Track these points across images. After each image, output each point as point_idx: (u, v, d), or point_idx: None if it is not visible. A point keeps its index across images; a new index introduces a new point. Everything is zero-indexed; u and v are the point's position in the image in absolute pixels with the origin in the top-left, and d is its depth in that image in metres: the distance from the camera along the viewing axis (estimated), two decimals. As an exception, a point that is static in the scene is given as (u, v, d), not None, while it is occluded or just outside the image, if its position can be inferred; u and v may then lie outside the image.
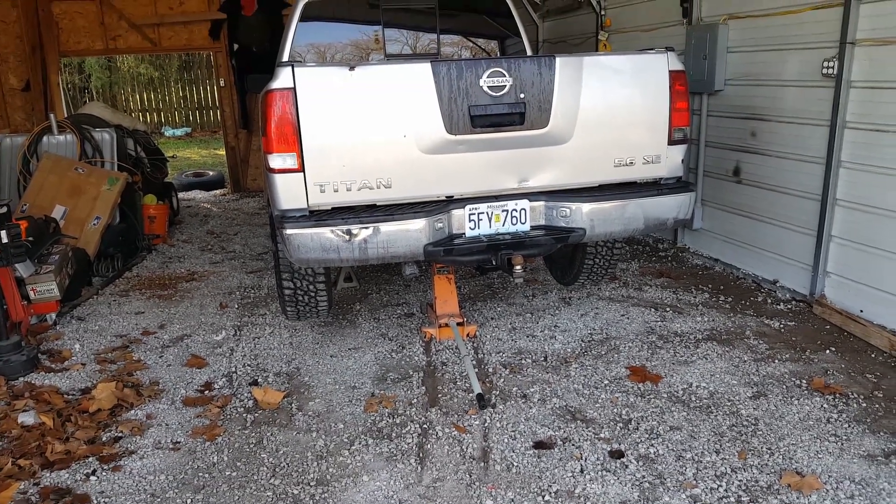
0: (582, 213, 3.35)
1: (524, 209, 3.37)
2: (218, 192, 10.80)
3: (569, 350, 4.00)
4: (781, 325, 4.27)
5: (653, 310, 4.55)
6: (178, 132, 18.22)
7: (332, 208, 3.22)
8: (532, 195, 3.40)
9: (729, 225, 5.36)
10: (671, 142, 3.47)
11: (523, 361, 3.86)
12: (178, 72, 18.63)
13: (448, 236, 3.31)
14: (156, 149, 8.54)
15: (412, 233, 3.14)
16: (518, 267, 3.32)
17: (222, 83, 10.26)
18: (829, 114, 4.23)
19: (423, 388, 3.62)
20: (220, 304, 5.20)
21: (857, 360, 3.79)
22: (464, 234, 3.35)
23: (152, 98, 18.83)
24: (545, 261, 5.17)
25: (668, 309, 4.57)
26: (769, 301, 4.69)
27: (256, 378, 3.88)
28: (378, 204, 3.26)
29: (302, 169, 3.07)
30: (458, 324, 4.10)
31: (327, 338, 4.38)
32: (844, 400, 3.35)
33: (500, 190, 3.35)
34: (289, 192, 3.11)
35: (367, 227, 3.10)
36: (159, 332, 4.67)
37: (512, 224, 3.37)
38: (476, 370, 3.75)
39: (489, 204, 3.33)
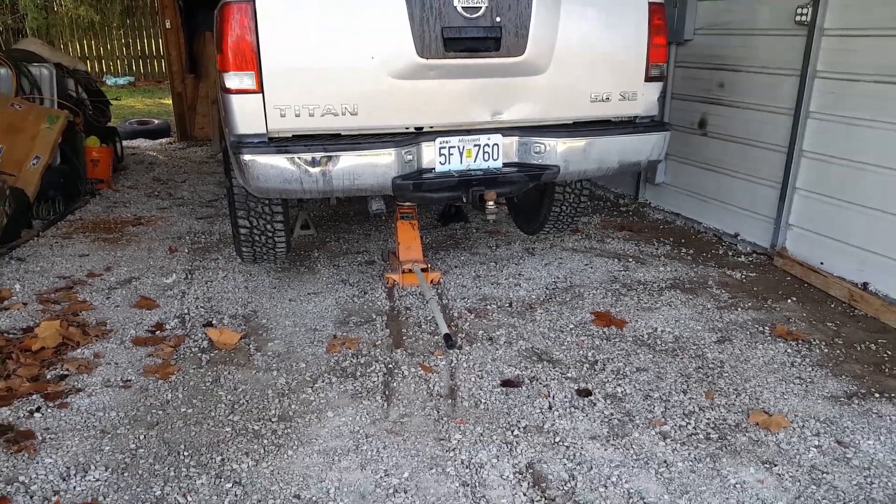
0: (556, 151, 3.25)
1: (497, 144, 3.25)
2: (164, 140, 10.33)
3: (533, 297, 3.94)
4: (743, 276, 4.30)
5: (616, 260, 4.53)
6: (122, 81, 17.39)
7: (294, 135, 3.05)
8: (506, 130, 3.28)
9: (692, 179, 5.36)
10: (648, 78, 3.39)
11: (488, 307, 3.79)
12: (120, 17, 17.69)
13: (417, 170, 3.18)
14: (98, 90, 8.08)
15: (380, 164, 2.99)
16: (491, 203, 3.21)
17: (168, 24, 9.75)
18: (799, 63, 4.22)
19: (388, 330, 3.51)
20: (170, 248, 4.97)
21: (818, 309, 3.84)
22: (433, 169, 3.22)
23: (93, 45, 17.89)
24: (509, 208, 5.08)
25: (630, 260, 4.56)
26: (730, 254, 4.72)
27: (211, 320, 3.71)
28: (343, 133, 3.10)
29: (261, 90, 2.88)
30: (423, 270, 3.99)
31: (285, 283, 4.22)
32: (807, 346, 3.39)
33: (472, 123, 3.22)
34: (246, 116, 2.91)
35: (332, 157, 2.93)
36: (105, 274, 4.43)
37: (484, 160, 3.25)
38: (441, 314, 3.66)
39: (461, 138, 3.20)
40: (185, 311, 3.82)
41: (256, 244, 3.84)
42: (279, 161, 2.91)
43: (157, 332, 3.56)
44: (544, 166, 3.28)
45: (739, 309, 3.81)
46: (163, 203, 6.38)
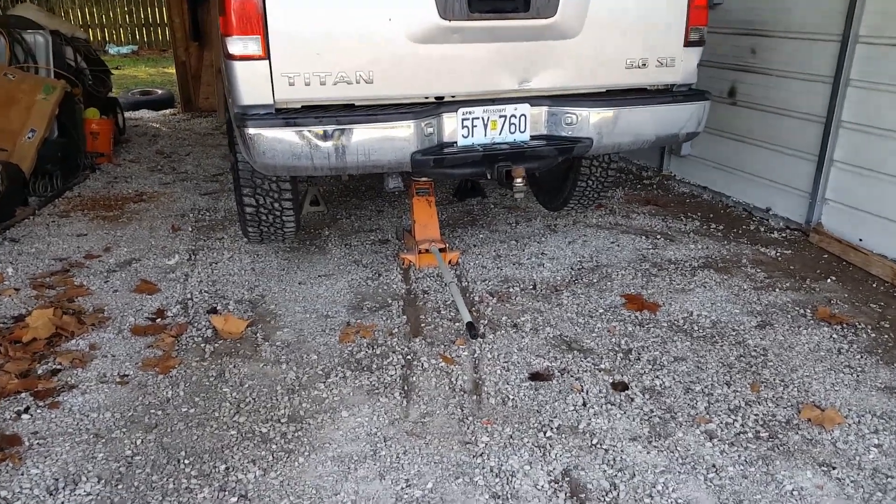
0: (589, 122, 2.99)
1: (524, 115, 2.99)
2: (167, 111, 10.05)
3: (558, 278, 3.70)
4: (778, 254, 4.05)
5: (643, 237, 4.28)
6: (124, 50, 17.04)
7: (303, 106, 2.79)
8: (534, 99, 3.02)
9: (720, 150, 5.08)
10: (687, 43, 3.10)
11: (511, 290, 3.56)
12: (122, -16, 17.27)
13: (438, 144, 2.93)
14: (98, 59, 7.79)
15: (398, 138, 2.74)
16: (519, 180, 2.96)
17: (171, -9, 9.41)
18: (840, 26, 3.92)
19: (405, 317, 3.29)
20: (173, 226, 4.74)
21: (860, 289, 3.59)
22: (456, 142, 2.96)
23: (95, 13, 17.50)
24: (530, 184, 4.83)
25: (658, 236, 4.31)
26: (763, 230, 4.46)
27: (215, 306, 3.50)
28: (357, 104, 2.84)
29: (267, 56, 2.62)
30: (440, 250, 3.77)
31: (294, 264, 4.00)
32: (853, 330, 3.15)
33: (497, 92, 2.96)
34: (251, 84, 2.66)
35: (345, 130, 2.68)
36: (104, 255, 4.21)
37: (510, 132, 2.99)
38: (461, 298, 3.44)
39: (485, 108, 2.94)
40: (188, 295, 3.61)
41: (263, 224, 3.61)
42: (287, 135, 2.66)
43: (158, 320, 3.35)
44: (576, 139, 3.02)
45: (777, 290, 3.57)
46: (166, 178, 6.14)
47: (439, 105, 2.92)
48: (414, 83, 2.83)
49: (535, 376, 2.74)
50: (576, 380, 2.72)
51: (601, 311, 3.32)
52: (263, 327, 3.24)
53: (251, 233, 3.71)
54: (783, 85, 4.44)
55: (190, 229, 4.67)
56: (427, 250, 3.80)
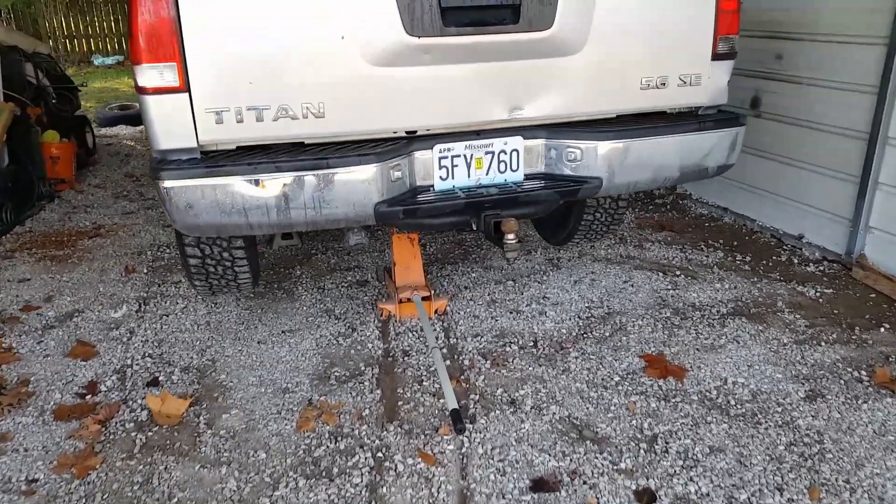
0: (597, 156, 2.43)
1: (516, 150, 2.44)
2: (146, 127, 9.52)
3: (564, 331, 3.14)
4: (818, 294, 3.48)
5: (660, 274, 3.72)
6: (109, 60, 16.51)
7: (239, 148, 2.24)
8: (528, 130, 2.46)
9: (743, 168, 4.47)
10: (715, 55, 2.54)
11: (508, 349, 3.00)
12: (107, -8, 16.75)
13: (409, 190, 2.37)
14: (63, 76, 7.28)
15: (357, 185, 2.18)
16: (510, 236, 2.39)
17: None
18: (887, 27, 3.36)
19: (378, 391, 2.73)
20: (126, 267, 4.20)
21: (922, 340, 3.03)
22: (432, 186, 2.41)
23: (79, 23, 16.98)
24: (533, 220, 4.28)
25: (677, 272, 3.74)
26: (796, 261, 3.89)
27: (157, 375, 2.95)
28: (307, 142, 2.29)
29: (186, 87, 2.07)
30: (424, 298, 3.21)
31: (256, 315, 3.45)
32: (924, 401, 2.59)
33: (483, 122, 2.40)
34: (169, 124, 2.11)
35: (288, 178, 2.13)
36: (44, 306, 3.67)
37: (500, 172, 2.44)
38: (447, 362, 2.88)
39: (468, 143, 2.38)
40: (129, 360, 3.06)
41: (212, 276, 3.05)
42: (213, 186, 2.10)
43: (89, 397, 2.80)
44: (581, 179, 2.46)
45: (823, 344, 3.01)
46: (130, 206, 5.60)
47: (410, 141, 2.36)
48: (377, 116, 2.27)
49: (539, 485, 2.18)
50: (590, 488, 2.16)
51: (617, 378, 2.76)
52: (208, 407, 2.69)
53: (198, 285, 3.16)
54: (816, 95, 3.88)
55: (145, 271, 4.13)
56: (409, 299, 3.24)
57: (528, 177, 2.49)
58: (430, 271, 3.84)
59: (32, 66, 6.42)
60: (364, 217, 2.26)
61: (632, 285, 3.59)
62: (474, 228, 2.44)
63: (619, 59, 2.42)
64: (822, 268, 3.79)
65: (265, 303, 3.59)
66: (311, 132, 2.24)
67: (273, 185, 2.10)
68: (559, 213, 3.70)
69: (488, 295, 3.53)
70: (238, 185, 2.09)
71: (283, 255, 4.27)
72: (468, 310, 3.38)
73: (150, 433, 2.54)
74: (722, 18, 2.47)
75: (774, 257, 3.96)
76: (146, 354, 3.13)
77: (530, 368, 2.83)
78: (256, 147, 2.24)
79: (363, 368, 2.90)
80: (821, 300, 3.42)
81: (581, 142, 2.41)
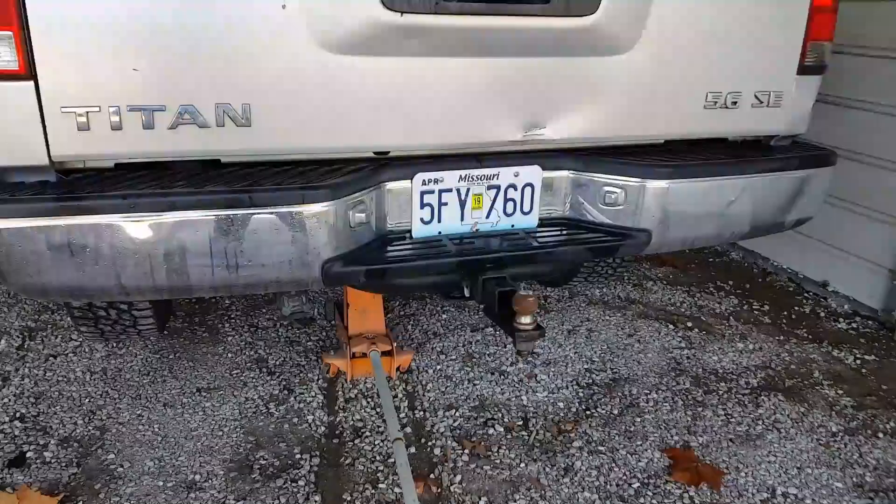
0: (646, 199, 1.73)
1: (531, 185, 1.74)
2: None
3: (561, 405, 2.47)
4: (858, 362, 2.89)
5: (669, 326, 3.08)
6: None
7: (119, 167, 1.49)
8: (549, 157, 1.77)
9: (754, 197, 3.92)
10: (803, 68, 1.88)
11: (491, 430, 2.31)
12: None
13: (377, 237, 1.65)
14: None
15: (297, 235, 1.45)
16: (525, 319, 1.68)
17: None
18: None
19: (318, 497, 2.01)
20: (15, 284, 3.37)
21: None
22: (409, 232, 1.69)
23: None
24: None
25: (689, 324, 3.12)
26: (822, 314, 3.31)
27: (25, 450, 2.18)
28: (224, 161, 1.55)
29: (30, 72, 1.31)
30: (384, 353, 2.50)
31: (166, 362, 2.69)
32: None
33: (486, 143, 1.68)
34: (4, 129, 1.35)
35: (189, 218, 1.38)
36: None
37: (506, 214, 1.74)
38: (412, 449, 2.18)
39: (464, 172, 1.67)
40: (-12, 425, 2.29)
41: (102, 322, 2.28)
42: (65, 229, 1.33)
43: (-89, 486, 2.02)
44: (621, 231, 1.76)
45: (881, 436, 2.41)
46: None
47: (381, 166, 1.63)
48: (333, 126, 1.53)
49: None
50: None
51: (636, 484, 2.10)
52: (80, 512, 1.94)
53: (85, 332, 2.39)
54: (848, 117, 3.30)
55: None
56: (363, 354, 2.53)
57: (544, 223, 1.81)
58: (392, 309, 3.14)
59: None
60: (305, 281, 1.53)
61: (638, 340, 2.94)
62: (467, 295, 1.73)
63: (682, 65, 1.73)
64: (855, 325, 3.21)
65: (180, 345, 2.83)
66: (229, 147, 1.49)
67: (161, 230, 1.36)
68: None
69: (463, 346, 2.84)
70: (105, 227, 1.34)
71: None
72: (438, 367, 2.69)
73: (-15, 556, 1.79)
74: (817, 20, 1.81)
75: (797, 307, 3.37)
76: (17, 414, 2.36)
77: (522, 465, 2.15)
78: (140, 166, 1.48)
79: (299, 456, 2.18)
80: (863, 370, 2.83)
81: (624, 178, 1.71)
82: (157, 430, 2.29)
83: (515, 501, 2.00)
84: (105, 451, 2.19)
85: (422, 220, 1.67)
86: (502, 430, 2.32)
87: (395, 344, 2.53)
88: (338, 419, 2.37)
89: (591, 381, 2.63)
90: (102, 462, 2.14)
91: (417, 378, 2.62)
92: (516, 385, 2.58)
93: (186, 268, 1.39)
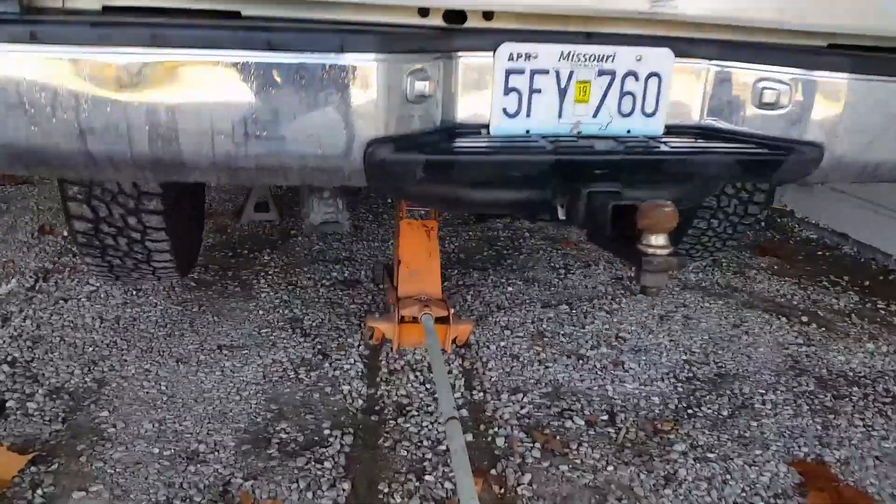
0: (818, 100, 1.22)
1: (657, 76, 1.26)
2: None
3: (655, 399, 1.99)
4: None
5: (782, 319, 2.55)
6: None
7: (106, 10, 1.08)
8: (684, 40, 1.29)
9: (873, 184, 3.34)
10: None
11: (569, 423, 1.85)
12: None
13: (440, 128, 1.21)
14: None
15: (332, 92, 1.02)
16: (657, 238, 1.21)
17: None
18: None
19: (346, 484, 1.58)
20: (41, 226, 3.10)
21: None
22: (486, 127, 1.23)
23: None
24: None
25: (804, 318, 2.58)
26: (969, 320, 2.72)
27: (5, 399, 1.83)
28: (246, 13, 1.12)
29: None
30: (439, 320, 2.07)
31: (188, 314, 2.33)
32: None
33: (599, 12, 1.20)
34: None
35: (181, 56, 0.96)
36: None
37: (620, 113, 1.27)
38: (469, 436, 1.74)
39: (566, 48, 1.21)
40: (-26, 367, 1.95)
41: (110, 253, 1.91)
42: (26, 68, 0.94)
43: None
44: (784, 143, 1.27)
45: None
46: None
47: (452, 34, 1.21)
48: None
49: None
50: None
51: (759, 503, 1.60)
52: (59, 472, 1.56)
53: (93, 267, 2.02)
54: None
55: (65, 234, 3.01)
56: (415, 319, 2.11)
57: (672, 131, 1.35)
58: (448, 277, 2.71)
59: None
60: (340, 170, 1.09)
61: (745, 332, 2.43)
62: (561, 218, 1.27)
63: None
64: None
65: (207, 297, 2.47)
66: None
67: (143, 74, 0.94)
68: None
69: (533, 324, 2.38)
70: (67, 67, 0.93)
71: (253, 233, 3.14)
72: (502, 344, 2.24)
73: (-71, 519, 1.42)
74: None
75: (934, 310, 2.79)
76: (7, 359, 2.02)
77: (610, 468, 1.68)
78: (134, 9, 1.07)
79: (328, 432, 1.76)
80: None
81: (789, 70, 1.23)
82: (164, 389, 1.91)
83: (601, 513, 1.53)
84: (99, 406, 1.82)
85: (504, 110, 1.22)
86: (582, 423, 1.85)
87: (452, 311, 2.10)
88: (379, 392, 1.95)
89: (691, 374, 2.13)
90: (93, 419, 1.77)
91: (477, 354, 2.18)
92: (599, 372, 2.11)
93: (177, 136, 0.98)
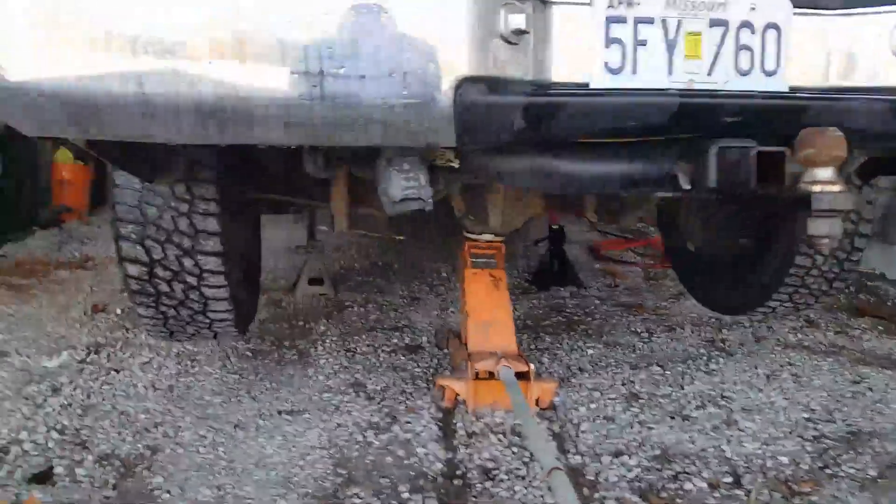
0: None
1: (775, 29, 1.06)
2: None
3: (784, 461, 1.69)
4: None
5: (904, 377, 2.25)
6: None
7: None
8: None
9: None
10: None
11: (688, 486, 1.57)
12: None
13: (531, 81, 1.04)
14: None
15: (417, 20, 0.88)
16: (824, 171, 0.97)
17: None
18: None
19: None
20: (95, 305, 3.01)
21: None
22: (585, 84, 1.07)
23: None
24: (674, 261, 2.88)
25: (929, 377, 2.26)
26: None
27: (54, 465, 1.65)
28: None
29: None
30: (519, 376, 1.84)
31: (245, 383, 2.15)
32: None
33: None
34: None
35: None
36: (-46, 344, 2.47)
37: (738, 72, 1.05)
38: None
39: None
40: (26, 433, 1.79)
41: (164, 302, 1.77)
42: None
43: None
44: None
45: None
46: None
47: None
48: None
49: None
50: None
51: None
52: (97, 548, 1.35)
53: (145, 318, 1.88)
54: None
55: (119, 311, 2.91)
56: (491, 374, 1.89)
57: (796, 90, 1.13)
58: (518, 341, 2.48)
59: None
60: (426, 118, 0.92)
61: (869, 389, 2.12)
62: (685, 187, 1.07)
63: None
64: None
65: (264, 366, 2.30)
66: None
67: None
68: (745, 256, 2.28)
69: (624, 386, 2.13)
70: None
71: (307, 306, 3.00)
72: (593, 406, 1.98)
73: None
74: None
75: None
76: (56, 426, 1.85)
77: (744, 533, 1.39)
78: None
79: (406, 496, 1.52)
80: None
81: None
82: (222, 454, 1.71)
83: (753, 586, 1.24)
84: (152, 472, 1.62)
85: (607, 65, 1.05)
86: (704, 486, 1.57)
87: (532, 366, 1.88)
88: (458, 456, 1.70)
89: (817, 433, 1.84)
90: (146, 485, 1.57)
91: (566, 416, 1.93)
92: (710, 433, 1.83)
93: (243, 71, 0.83)
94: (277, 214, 2.47)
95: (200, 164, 1.60)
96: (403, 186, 1.11)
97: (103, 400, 2.03)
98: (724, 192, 1.05)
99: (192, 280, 1.70)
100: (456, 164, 1.18)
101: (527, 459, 1.66)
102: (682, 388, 2.10)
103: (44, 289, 3.29)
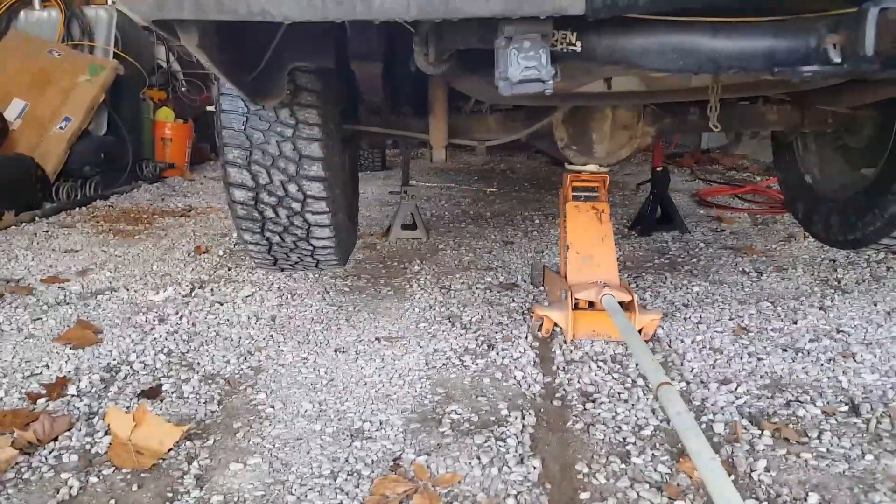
0: None
1: None
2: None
3: (906, 391, 1.58)
4: None
5: None
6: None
7: None
8: None
9: None
10: None
11: (802, 413, 1.49)
12: None
13: None
14: (198, 63, 6.70)
15: None
16: None
17: None
18: None
19: (537, 461, 1.32)
20: (198, 247, 3.13)
21: None
22: None
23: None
24: (786, 190, 2.71)
25: None
26: None
27: (162, 383, 1.73)
28: None
29: None
30: (623, 305, 1.79)
31: (343, 313, 2.19)
32: None
33: None
34: None
35: None
36: (73, 279, 2.64)
37: None
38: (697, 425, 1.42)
39: None
40: (135, 355, 1.89)
41: (269, 228, 1.82)
42: None
43: (42, 401, 1.63)
44: None
45: None
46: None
47: None
48: None
49: None
50: None
51: None
52: (215, 447, 1.41)
53: (253, 250, 1.93)
54: None
55: (221, 253, 3.03)
56: (590, 303, 1.85)
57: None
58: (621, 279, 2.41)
59: (165, 50, 5.83)
60: None
61: None
62: (836, 60, 0.99)
63: None
64: None
65: (362, 299, 2.33)
66: None
67: None
68: (862, 182, 2.12)
69: (731, 319, 2.04)
70: None
71: (401, 248, 3.02)
72: (699, 338, 1.91)
73: (93, 480, 1.30)
74: None
75: None
76: (163, 350, 1.95)
77: (869, 457, 1.30)
78: None
79: (506, 413, 1.51)
80: None
81: None
82: (323, 374, 1.75)
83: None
84: (255, 389, 1.68)
85: None
86: (819, 412, 1.48)
87: (635, 296, 1.82)
88: (557, 380, 1.68)
89: (945, 367, 1.70)
90: (250, 401, 1.63)
91: (670, 346, 1.86)
92: (825, 364, 1.73)
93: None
94: (373, 148, 2.47)
95: (304, 88, 1.61)
96: (524, 66, 1.07)
97: (208, 328, 2.11)
98: (884, 63, 0.95)
99: (296, 206, 1.74)
100: (578, 47, 1.13)
101: (629, 385, 1.62)
102: (795, 323, 1.99)
103: (149, 234, 3.46)
